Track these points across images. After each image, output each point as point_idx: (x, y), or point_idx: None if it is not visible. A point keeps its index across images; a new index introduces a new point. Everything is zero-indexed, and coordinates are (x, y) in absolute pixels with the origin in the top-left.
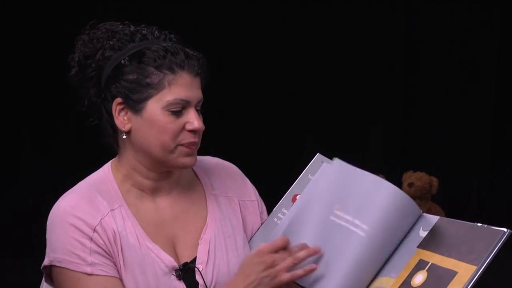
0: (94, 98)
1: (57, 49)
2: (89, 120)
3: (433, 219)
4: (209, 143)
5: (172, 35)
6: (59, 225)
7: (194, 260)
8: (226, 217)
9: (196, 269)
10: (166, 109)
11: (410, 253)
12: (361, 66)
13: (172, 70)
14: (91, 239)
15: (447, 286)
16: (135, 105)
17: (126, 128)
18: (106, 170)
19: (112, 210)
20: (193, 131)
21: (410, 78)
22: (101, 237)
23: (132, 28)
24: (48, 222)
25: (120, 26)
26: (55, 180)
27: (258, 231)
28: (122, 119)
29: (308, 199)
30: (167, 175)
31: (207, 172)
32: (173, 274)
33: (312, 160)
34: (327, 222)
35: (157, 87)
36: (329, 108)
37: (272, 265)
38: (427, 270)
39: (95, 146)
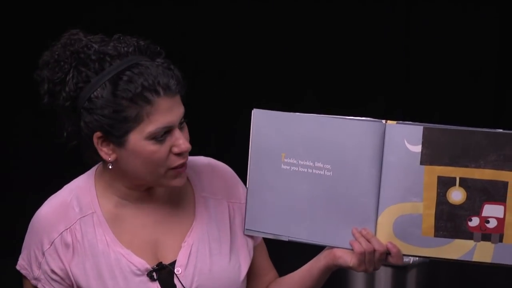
0: (72, 127)
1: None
2: (71, 144)
3: (412, 129)
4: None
5: (140, 42)
6: (30, 230)
7: (173, 263)
8: (213, 220)
9: (175, 272)
10: (148, 139)
11: (416, 173)
12: (362, 32)
13: (147, 101)
14: (43, 254)
15: (505, 196)
16: (116, 139)
17: (111, 158)
18: (90, 175)
19: (83, 217)
20: (180, 153)
21: (411, 51)
22: (57, 251)
23: (96, 47)
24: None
25: (83, 43)
26: (55, 180)
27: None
28: (106, 150)
29: (256, 156)
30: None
31: (197, 173)
32: (146, 275)
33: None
34: (280, 172)
35: (136, 120)
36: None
37: None
38: (461, 186)
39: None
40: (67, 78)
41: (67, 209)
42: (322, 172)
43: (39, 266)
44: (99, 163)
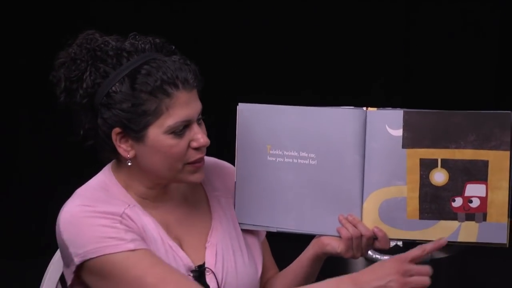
0: (89, 125)
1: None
2: (87, 143)
3: (393, 114)
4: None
5: (156, 40)
6: (80, 222)
7: (203, 264)
8: (229, 219)
9: (209, 271)
10: (168, 133)
11: (399, 157)
12: (362, 22)
13: (167, 94)
14: (120, 222)
15: (487, 175)
16: (135, 133)
17: (130, 155)
18: (107, 174)
19: (129, 206)
20: (198, 148)
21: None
22: (129, 223)
23: (113, 43)
24: (62, 226)
25: (100, 42)
26: (55, 180)
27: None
28: (125, 147)
29: (242, 149)
30: (169, 184)
31: (207, 174)
32: (189, 275)
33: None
34: (266, 163)
35: (155, 114)
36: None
37: (404, 274)
38: (443, 167)
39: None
40: (84, 76)
41: (107, 199)
42: (307, 162)
43: (125, 231)
44: (110, 162)
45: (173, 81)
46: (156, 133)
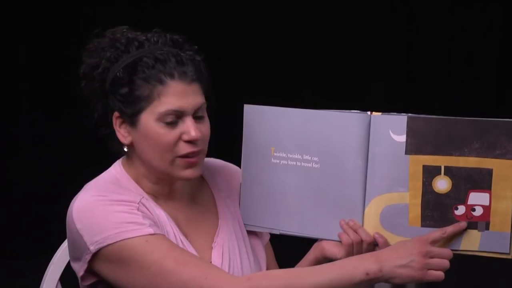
0: (101, 110)
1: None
2: (100, 131)
3: (397, 119)
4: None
5: (175, 36)
6: (96, 210)
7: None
8: (235, 220)
9: None
10: (159, 121)
11: (401, 163)
12: (362, 22)
13: (160, 81)
14: (138, 208)
15: (490, 184)
16: (130, 118)
17: (127, 141)
18: (118, 169)
19: (143, 198)
20: (190, 141)
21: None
22: (145, 210)
23: (130, 35)
24: (75, 216)
25: (121, 33)
26: (55, 181)
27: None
28: (123, 132)
29: (248, 151)
30: (173, 181)
31: (213, 175)
32: None
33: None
34: (270, 166)
35: (147, 100)
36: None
37: (425, 255)
38: (446, 174)
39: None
40: (101, 61)
41: (121, 191)
42: (310, 165)
43: (143, 217)
44: (120, 159)
45: (170, 71)
46: (147, 119)
